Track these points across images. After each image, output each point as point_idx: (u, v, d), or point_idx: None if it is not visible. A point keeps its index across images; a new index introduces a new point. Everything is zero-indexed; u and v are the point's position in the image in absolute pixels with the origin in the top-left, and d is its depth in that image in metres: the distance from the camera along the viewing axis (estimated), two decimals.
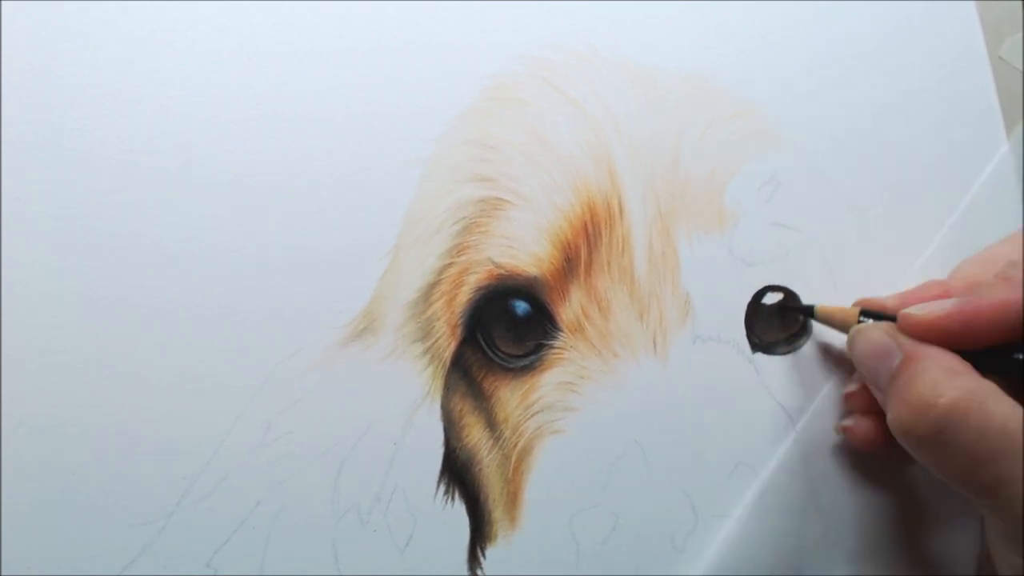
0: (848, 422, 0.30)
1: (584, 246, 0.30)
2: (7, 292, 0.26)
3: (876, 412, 0.29)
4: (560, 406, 0.29)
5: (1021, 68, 0.34)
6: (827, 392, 0.31)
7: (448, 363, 0.29)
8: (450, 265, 0.29)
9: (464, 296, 0.29)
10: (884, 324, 0.28)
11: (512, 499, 0.29)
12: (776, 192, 0.32)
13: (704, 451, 0.30)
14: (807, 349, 0.31)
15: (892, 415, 0.26)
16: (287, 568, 0.27)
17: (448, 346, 0.29)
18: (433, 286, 0.29)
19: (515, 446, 0.29)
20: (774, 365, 0.31)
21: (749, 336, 0.31)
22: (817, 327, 0.31)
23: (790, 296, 0.31)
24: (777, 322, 0.31)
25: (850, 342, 0.29)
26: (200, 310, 0.28)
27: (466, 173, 0.30)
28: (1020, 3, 0.35)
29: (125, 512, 0.27)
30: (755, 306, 0.31)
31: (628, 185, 0.30)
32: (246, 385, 0.28)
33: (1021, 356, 0.26)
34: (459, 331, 0.29)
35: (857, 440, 0.30)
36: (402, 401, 0.29)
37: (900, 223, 0.32)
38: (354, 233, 0.29)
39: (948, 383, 0.25)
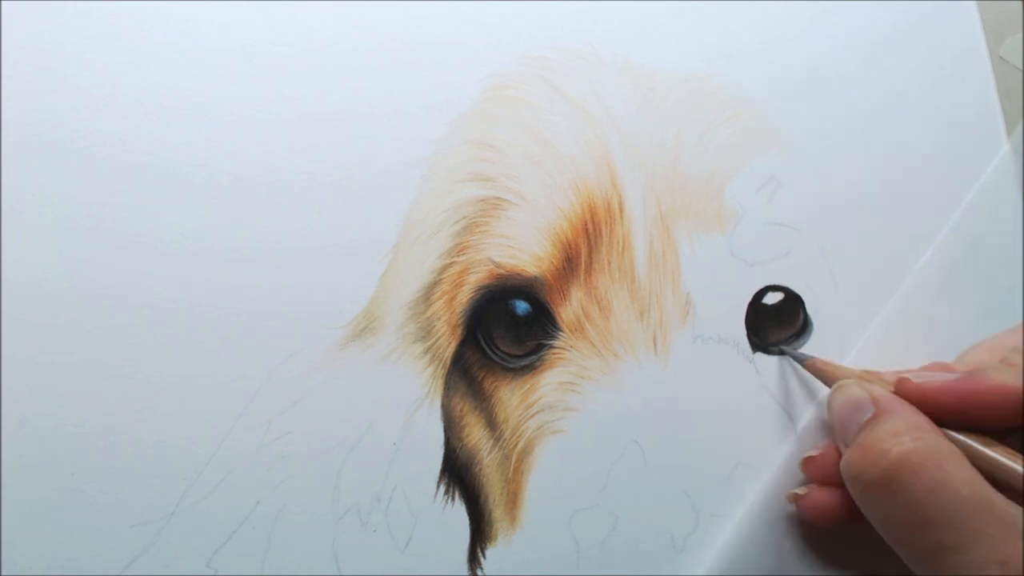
0: (800, 490, 0.29)
1: (584, 246, 0.30)
2: (7, 292, 0.27)
3: (833, 482, 0.28)
4: (560, 406, 0.29)
5: (1021, 68, 0.34)
6: (826, 392, 0.31)
7: (448, 363, 0.29)
8: (450, 265, 0.29)
9: (464, 296, 0.29)
10: (864, 381, 0.27)
11: (512, 499, 0.29)
12: (776, 192, 0.32)
13: (704, 451, 0.30)
14: (807, 349, 0.31)
15: (845, 459, 0.25)
16: (287, 568, 0.27)
17: (448, 346, 0.29)
18: (433, 286, 0.29)
19: (515, 446, 0.29)
20: (775, 365, 0.31)
21: (749, 336, 0.31)
22: (818, 326, 0.31)
23: (791, 297, 0.31)
24: (777, 322, 0.31)
25: (829, 401, 0.28)
26: (200, 310, 0.28)
27: (466, 173, 0.30)
28: (1020, 3, 0.35)
29: (125, 512, 0.27)
30: (755, 306, 0.31)
31: (628, 185, 0.30)
32: (247, 385, 0.28)
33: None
34: (459, 331, 0.29)
35: (808, 511, 0.28)
36: (402, 401, 0.29)
37: (900, 223, 0.32)
38: (355, 233, 0.29)
39: (908, 434, 0.24)
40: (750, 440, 0.30)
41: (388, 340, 0.29)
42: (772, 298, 0.31)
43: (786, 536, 0.29)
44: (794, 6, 0.33)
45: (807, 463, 0.29)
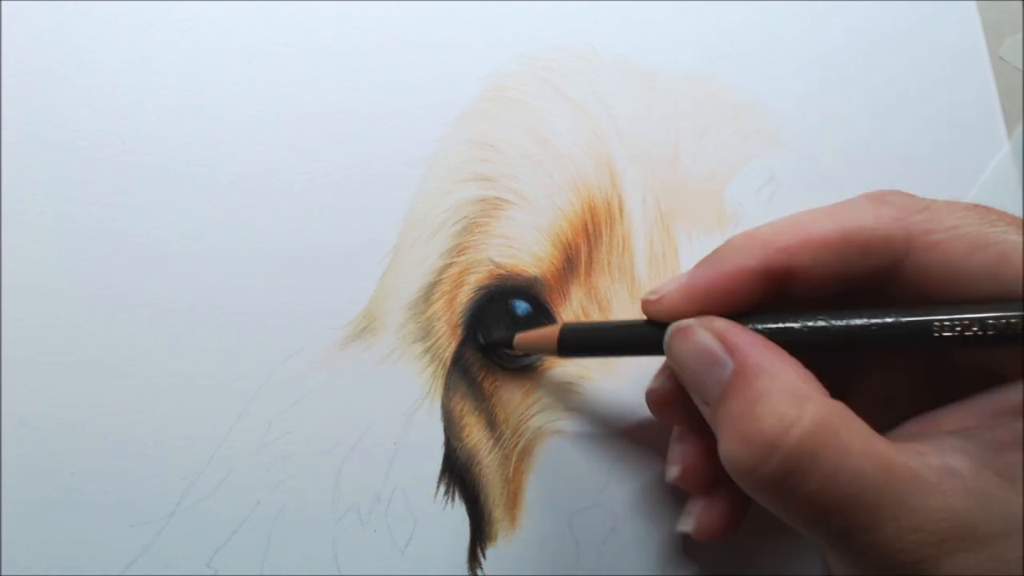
0: (687, 525, 0.26)
1: (584, 246, 0.30)
2: (7, 292, 0.27)
3: (681, 421, 0.26)
4: (560, 406, 0.29)
5: (1021, 68, 0.34)
6: None
7: (448, 363, 0.29)
8: (451, 265, 0.29)
9: (465, 296, 0.29)
10: (707, 320, 0.23)
11: (512, 499, 0.29)
12: (776, 192, 0.32)
13: None
14: None
15: (726, 450, 0.21)
16: (287, 568, 0.27)
17: (448, 346, 0.29)
18: (434, 286, 0.29)
19: (515, 446, 0.29)
20: None
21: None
22: None
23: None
24: None
25: (668, 345, 0.24)
26: (200, 310, 0.28)
27: (467, 173, 0.30)
28: (1020, 3, 0.35)
29: (125, 512, 0.26)
30: None
31: (628, 185, 0.30)
32: (246, 385, 0.28)
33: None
34: (459, 331, 0.29)
35: (708, 533, 0.26)
36: (402, 401, 0.29)
37: None
38: (355, 233, 0.29)
39: (795, 413, 0.20)
40: None
41: (388, 340, 0.29)
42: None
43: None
44: (794, 6, 0.33)
45: (680, 482, 0.26)
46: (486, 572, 0.28)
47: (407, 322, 0.29)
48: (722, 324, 0.23)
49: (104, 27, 0.28)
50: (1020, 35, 0.34)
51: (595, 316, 0.30)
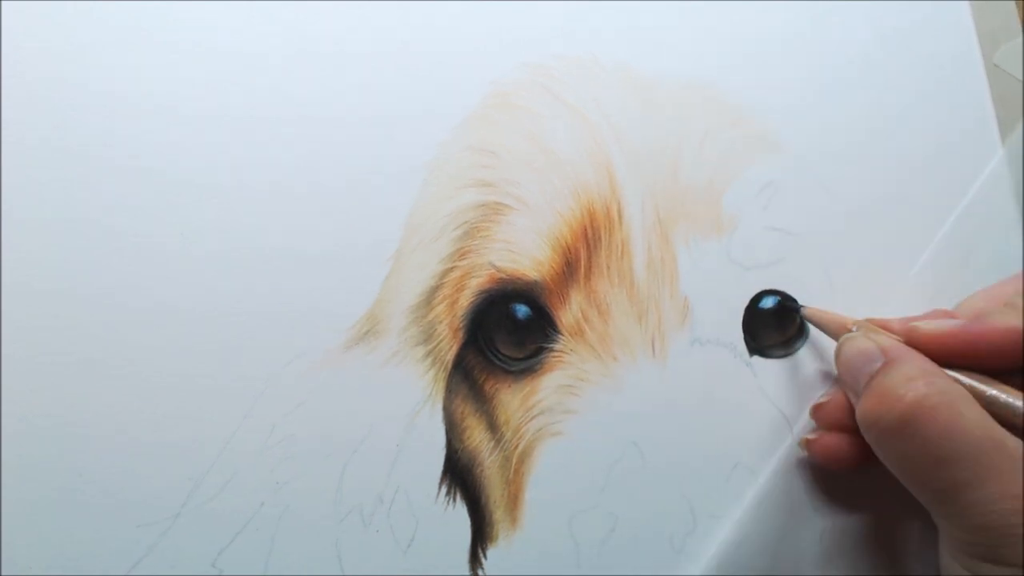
0: (811, 435, 0.30)
1: (584, 250, 0.30)
2: (7, 292, 0.27)
3: (842, 428, 0.29)
4: (560, 408, 0.30)
5: (1015, 75, 0.34)
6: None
7: (450, 366, 0.29)
8: (452, 269, 0.29)
9: (466, 300, 0.29)
10: (871, 331, 0.28)
11: (513, 500, 0.29)
12: (774, 197, 0.32)
13: (702, 453, 0.30)
14: (804, 352, 0.32)
15: (861, 407, 0.26)
16: (291, 568, 0.27)
17: (450, 349, 0.29)
18: (435, 290, 0.29)
19: (516, 448, 0.29)
20: (771, 368, 0.31)
21: (746, 339, 0.31)
22: (814, 330, 0.32)
23: (787, 301, 0.32)
24: (774, 325, 0.31)
25: (837, 351, 0.29)
26: (205, 313, 0.28)
27: (468, 178, 0.30)
28: (1015, 10, 0.35)
29: (131, 513, 0.27)
30: (752, 310, 0.31)
31: (627, 190, 0.31)
32: (251, 387, 0.28)
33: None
34: (461, 334, 0.29)
35: (819, 454, 0.29)
36: (404, 404, 0.29)
37: (897, 229, 0.32)
38: (357, 237, 0.29)
39: (921, 379, 0.25)
40: (747, 442, 0.30)
41: (391, 343, 0.29)
42: (769, 302, 0.32)
43: (785, 537, 0.30)
44: (792, 14, 0.33)
45: (816, 410, 0.30)
46: (487, 572, 0.29)
47: (409, 325, 0.29)
48: (883, 335, 0.27)
49: (104, 27, 0.28)
50: (1014, 42, 0.35)
51: (594, 319, 0.30)
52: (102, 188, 0.28)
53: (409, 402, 0.29)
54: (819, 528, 0.30)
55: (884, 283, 0.32)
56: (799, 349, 0.32)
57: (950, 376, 0.25)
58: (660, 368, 0.30)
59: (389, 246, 0.29)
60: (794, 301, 0.32)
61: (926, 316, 0.29)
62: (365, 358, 0.29)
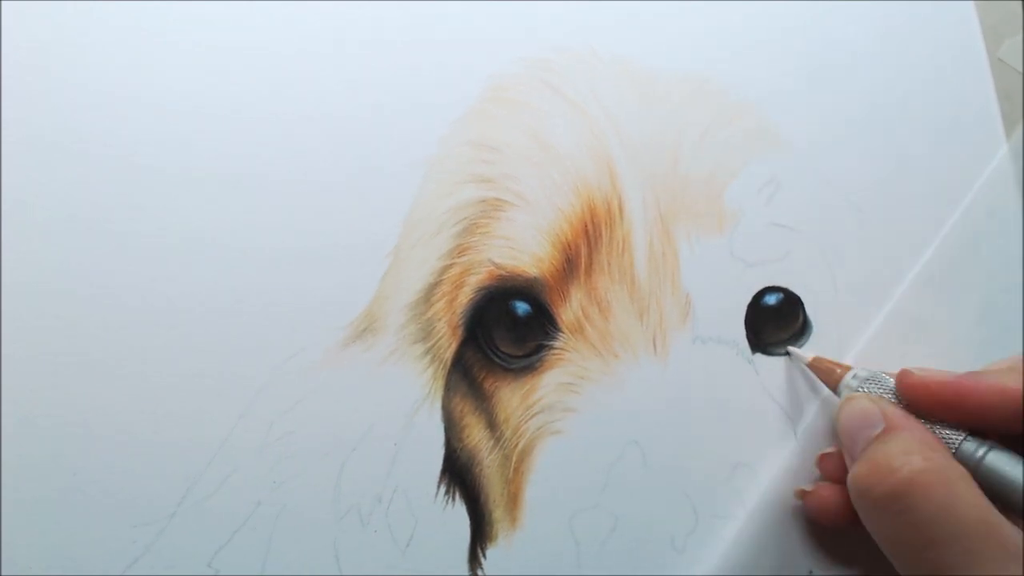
0: (808, 487, 0.29)
1: (584, 247, 0.30)
2: (7, 292, 0.27)
3: (842, 482, 0.28)
4: (560, 407, 0.29)
5: (1020, 70, 0.34)
6: (827, 393, 0.31)
7: (449, 364, 0.29)
8: (451, 266, 0.29)
9: (465, 297, 0.29)
10: (874, 395, 0.27)
11: (512, 499, 0.29)
12: (776, 193, 0.32)
13: (704, 452, 0.30)
14: (807, 350, 0.31)
15: (853, 473, 0.25)
16: (289, 568, 0.27)
17: (449, 347, 0.29)
18: (434, 287, 0.29)
19: (515, 446, 0.29)
20: (774, 366, 0.31)
21: (748, 337, 0.31)
22: (818, 326, 0.31)
23: (790, 298, 0.31)
24: (776, 322, 0.31)
25: (839, 410, 0.28)
26: (202, 310, 0.28)
27: (467, 174, 0.30)
28: (1019, 5, 0.35)
29: (127, 512, 0.27)
30: (755, 307, 0.31)
31: (628, 186, 0.30)
32: (248, 385, 0.28)
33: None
34: (460, 332, 0.29)
35: (814, 508, 0.28)
36: (403, 402, 0.29)
37: (900, 224, 0.32)
38: (356, 234, 0.29)
39: (920, 453, 0.24)
40: (750, 441, 0.30)
41: (389, 341, 0.29)
42: (771, 299, 0.31)
43: (786, 538, 0.30)
44: (793, 7, 0.33)
45: (823, 460, 0.29)
46: (486, 572, 0.29)
47: (408, 323, 0.29)
48: (885, 400, 0.27)
49: (104, 27, 0.28)
50: (1018, 37, 0.34)
51: (595, 317, 0.30)
52: (100, 187, 0.28)
53: (408, 400, 0.29)
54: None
55: (887, 279, 0.32)
56: (802, 346, 0.31)
57: (950, 453, 0.25)
58: (661, 366, 0.30)
59: (387, 242, 0.29)
60: (798, 300, 0.31)
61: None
62: (363, 356, 0.28)
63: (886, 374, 0.28)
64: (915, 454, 0.24)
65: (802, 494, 0.29)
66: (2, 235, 0.27)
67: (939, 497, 0.23)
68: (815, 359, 0.30)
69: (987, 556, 0.22)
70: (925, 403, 0.26)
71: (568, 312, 0.30)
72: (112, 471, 0.27)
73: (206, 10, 0.29)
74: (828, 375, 0.30)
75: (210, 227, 0.28)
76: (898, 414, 0.26)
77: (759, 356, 0.31)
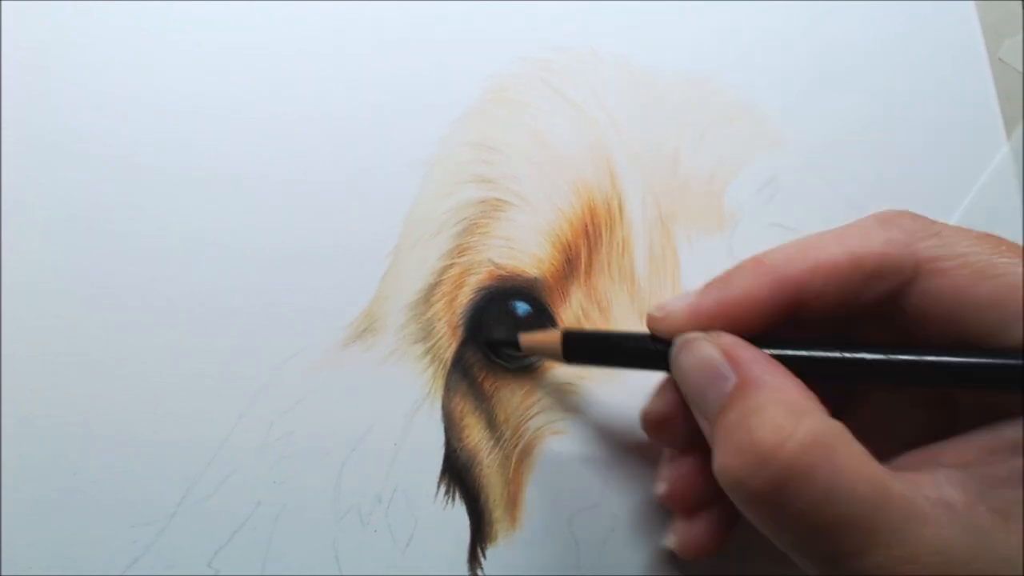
0: (670, 541, 0.27)
1: (584, 247, 0.30)
2: (7, 292, 0.27)
3: (708, 502, 0.25)
4: (560, 407, 0.29)
5: (1020, 69, 0.34)
6: None
7: (449, 364, 0.29)
8: (451, 266, 0.29)
9: (465, 297, 0.29)
10: (714, 336, 0.23)
11: (512, 499, 0.29)
12: (776, 193, 0.32)
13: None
14: None
15: (720, 462, 0.21)
16: (288, 568, 0.27)
17: (449, 347, 0.29)
18: (434, 287, 0.29)
19: (515, 446, 0.29)
20: None
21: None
22: None
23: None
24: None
25: (673, 360, 0.24)
26: (201, 310, 0.28)
27: (467, 174, 0.30)
28: (1019, 5, 0.35)
29: (127, 512, 0.27)
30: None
31: (628, 186, 0.30)
32: (248, 386, 0.28)
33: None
34: (460, 332, 0.29)
35: (692, 551, 0.26)
36: (403, 402, 0.29)
37: None
38: (355, 234, 0.29)
39: (792, 426, 0.20)
40: None
41: (389, 341, 0.29)
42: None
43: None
44: (794, 7, 0.33)
45: (666, 500, 0.27)
46: (486, 572, 0.29)
47: (408, 323, 0.29)
48: (729, 340, 0.23)
49: (104, 27, 0.28)
50: (1018, 37, 0.34)
51: (595, 317, 0.30)
52: (100, 187, 0.28)
53: (408, 400, 0.29)
54: None
55: None
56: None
57: (820, 410, 0.21)
58: None
59: (387, 243, 0.29)
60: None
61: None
62: (363, 356, 0.28)
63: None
64: (784, 426, 0.20)
65: (673, 550, 0.27)
66: (2, 235, 0.27)
67: (823, 479, 0.19)
68: (523, 337, 0.27)
69: (888, 529, 0.19)
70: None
71: (568, 312, 0.30)
72: (112, 471, 0.27)
73: (206, 10, 0.29)
74: (545, 345, 0.27)
75: (210, 227, 0.28)
76: (751, 359, 0.22)
77: None
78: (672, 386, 0.25)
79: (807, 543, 0.20)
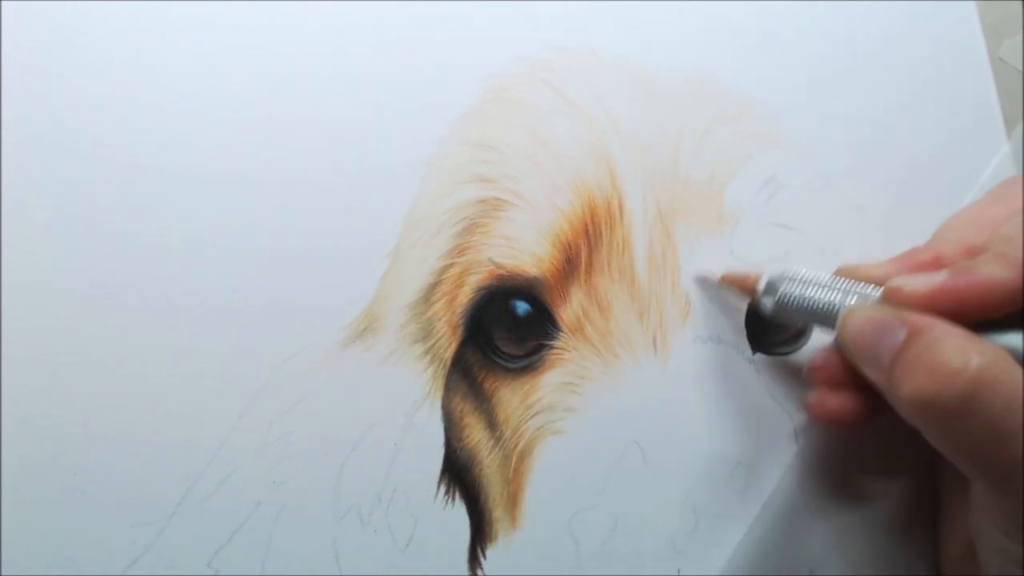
0: (813, 398, 0.28)
1: (584, 247, 0.30)
2: (7, 292, 0.26)
3: (846, 385, 0.28)
4: (560, 406, 0.29)
5: (1020, 69, 0.34)
6: None
7: (449, 364, 0.29)
8: (451, 266, 0.29)
9: (465, 296, 0.29)
10: (877, 303, 0.26)
11: (512, 499, 0.29)
12: (776, 193, 0.32)
13: (704, 452, 0.30)
14: (807, 349, 0.31)
15: (911, 386, 0.23)
16: (288, 568, 0.27)
17: (449, 347, 0.29)
18: (434, 287, 0.29)
19: (515, 446, 0.29)
20: (775, 366, 0.31)
21: (749, 336, 0.31)
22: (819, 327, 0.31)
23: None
24: (777, 322, 0.31)
25: (839, 330, 0.27)
26: (201, 310, 0.28)
27: (467, 174, 0.30)
28: (1019, 5, 0.35)
29: (126, 512, 0.27)
30: (755, 306, 0.31)
31: (628, 186, 0.30)
32: (247, 386, 0.28)
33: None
34: (460, 331, 0.29)
35: (824, 416, 0.28)
36: (403, 402, 0.29)
37: (900, 224, 0.32)
38: (355, 234, 0.29)
39: (973, 348, 0.23)
40: (750, 440, 0.30)
41: (389, 341, 0.29)
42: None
43: (787, 538, 0.30)
44: (794, 7, 0.33)
45: (814, 372, 0.29)
46: (486, 572, 0.29)
47: (408, 323, 0.29)
48: (888, 306, 0.26)
49: (104, 27, 0.28)
50: (1018, 37, 0.34)
51: (595, 316, 0.30)
52: (100, 187, 0.28)
53: (407, 400, 0.29)
54: (823, 528, 0.30)
55: None
56: (803, 346, 0.31)
57: (991, 343, 0.24)
58: (662, 366, 0.30)
59: (387, 243, 0.29)
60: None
61: (906, 259, 0.28)
62: (362, 356, 0.28)
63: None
64: (969, 350, 0.23)
65: (809, 406, 0.29)
66: (2, 235, 0.27)
67: (1007, 389, 0.22)
68: (726, 274, 0.30)
69: None
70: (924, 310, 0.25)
71: (568, 312, 0.30)
72: (112, 471, 0.27)
73: (206, 10, 0.29)
74: (742, 283, 0.29)
75: (210, 227, 0.28)
76: (918, 316, 0.25)
77: (759, 356, 0.31)
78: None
79: (988, 452, 0.23)
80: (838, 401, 0.28)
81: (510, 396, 0.29)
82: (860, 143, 0.33)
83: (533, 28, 0.31)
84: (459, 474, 0.29)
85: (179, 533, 0.27)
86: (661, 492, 0.29)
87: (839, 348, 0.28)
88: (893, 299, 0.26)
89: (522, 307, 0.30)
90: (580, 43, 0.31)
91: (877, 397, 0.26)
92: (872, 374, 0.26)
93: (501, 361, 0.29)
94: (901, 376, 0.24)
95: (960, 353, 0.23)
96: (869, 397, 0.27)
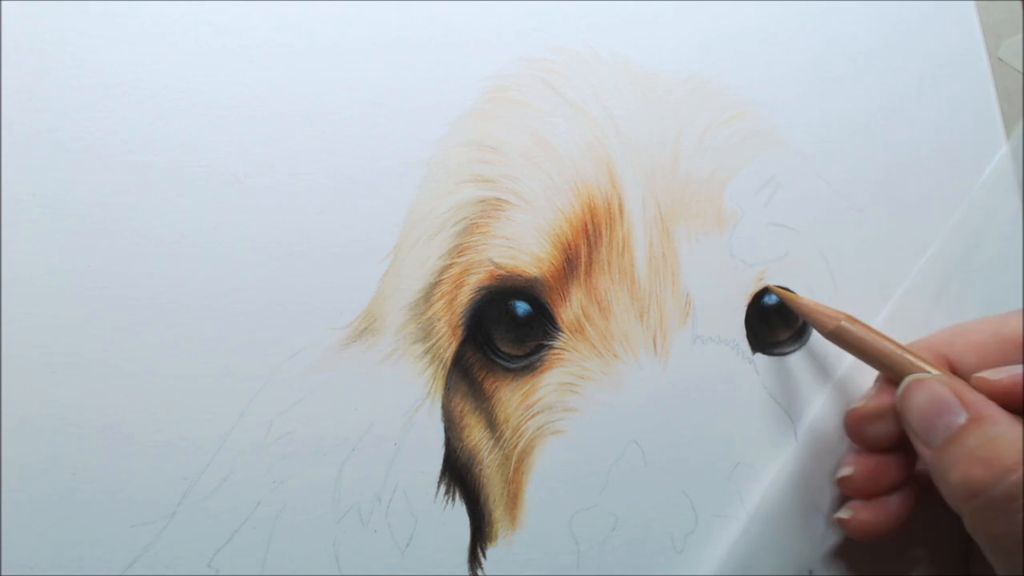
0: (844, 514, 0.29)
1: (584, 247, 0.30)
2: (7, 292, 0.26)
3: (879, 494, 0.28)
4: (560, 406, 0.29)
5: (1020, 69, 0.34)
6: (828, 392, 0.31)
7: (449, 363, 0.29)
8: (451, 266, 0.29)
9: (465, 296, 0.29)
10: (945, 377, 0.27)
11: (512, 499, 0.29)
12: (776, 193, 0.32)
13: (704, 451, 0.30)
14: (807, 349, 0.31)
15: (962, 473, 0.25)
16: (288, 568, 0.27)
17: (449, 346, 0.29)
18: (434, 287, 0.29)
19: (515, 446, 0.29)
20: (774, 365, 0.31)
21: (748, 336, 0.31)
22: None
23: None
24: (777, 322, 0.31)
25: (905, 394, 0.27)
26: (201, 310, 0.28)
27: (467, 174, 0.30)
28: (1019, 5, 0.35)
29: (126, 512, 0.27)
30: (755, 306, 0.31)
31: (628, 186, 0.30)
32: (247, 385, 0.28)
33: None
34: (460, 331, 0.29)
35: (859, 530, 0.29)
36: (403, 401, 0.29)
37: (900, 224, 0.32)
38: (355, 234, 0.29)
39: None
40: (750, 440, 0.30)
41: (389, 341, 0.29)
42: (772, 298, 0.31)
43: (786, 538, 0.30)
44: (794, 7, 0.33)
45: (845, 482, 0.29)
46: (486, 572, 0.29)
47: (408, 323, 0.29)
48: (959, 383, 0.26)
49: (104, 27, 0.28)
50: (1018, 37, 0.34)
51: (595, 316, 0.30)
52: (100, 187, 0.28)
53: (407, 400, 0.29)
54: (823, 528, 0.30)
55: (887, 279, 0.32)
56: (802, 346, 0.31)
57: None
58: (661, 366, 0.30)
59: (387, 242, 0.29)
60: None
61: (973, 331, 0.29)
62: (363, 356, 0.28)
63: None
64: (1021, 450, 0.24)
65: (841, 523, 0.29)
66: (2, 235, 0.27)
67: None
68: (809, 301, 0.30)
69: None
70: (1000, 404, 0.26)
71: (568, 312, 0.30)
72: (112, 471, 0.27)
73: (206, 10, 0.29)
74: (821, 319, 0.29)
75: (210, 227, 0.28)
76: (981, 401, 0.26)
77: (759, 356, 0.31)
78: (882, 394, 0.29)
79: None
80: (871, 513, 0.28)
81: (510, 396, 0.29)
82: (860, 143, 0.33)
83: (533, 28, 0.31)
84: (459, 474, 0.29)
85: (179, 533, 0.27)
86: (661, 491, 0.29)
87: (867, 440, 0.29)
88: (979, 388, 0.26)
89: (522, 307, 0.30)
90: (580, 43, 0.31)
91: (910, 501, 0.28)
92: (920, 447, 0.27)
93: (501, 361, 0.29)
94: (953, 460, 0.25)
95: (1016, 451, 0.24)
96: (903, 502, 0.28)
